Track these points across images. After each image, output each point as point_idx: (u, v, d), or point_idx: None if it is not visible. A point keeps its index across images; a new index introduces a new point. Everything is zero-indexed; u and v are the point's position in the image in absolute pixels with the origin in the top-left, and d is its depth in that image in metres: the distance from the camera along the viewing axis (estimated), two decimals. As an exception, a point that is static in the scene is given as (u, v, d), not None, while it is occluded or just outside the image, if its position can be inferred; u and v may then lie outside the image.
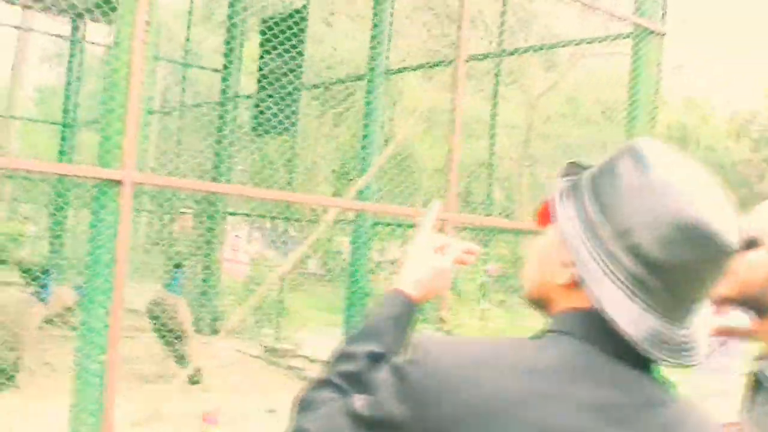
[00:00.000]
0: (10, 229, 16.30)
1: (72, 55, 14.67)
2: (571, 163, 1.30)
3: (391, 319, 1.40)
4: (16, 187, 15.73)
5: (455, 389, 1.09)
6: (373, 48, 9.66)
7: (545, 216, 1.29)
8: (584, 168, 1.27)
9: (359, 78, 11.25)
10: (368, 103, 9.58)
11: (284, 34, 10.60)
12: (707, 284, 1.17)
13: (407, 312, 1.43)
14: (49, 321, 8.57)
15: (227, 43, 12.25)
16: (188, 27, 14.16)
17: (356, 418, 1.16)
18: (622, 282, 1.13)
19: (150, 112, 14.32)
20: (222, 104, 12.01)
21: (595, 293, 1.14)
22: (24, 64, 19.39)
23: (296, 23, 10.78)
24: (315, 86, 12.41)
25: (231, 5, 12.16)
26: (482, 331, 13.67)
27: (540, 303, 1.29)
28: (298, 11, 11.05)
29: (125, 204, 4.65)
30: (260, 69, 11.37)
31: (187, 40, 14.29)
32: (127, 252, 4.65)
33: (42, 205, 16.28)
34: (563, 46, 10.87)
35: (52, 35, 16.67)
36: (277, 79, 10.96)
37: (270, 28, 10.98)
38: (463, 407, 1.08)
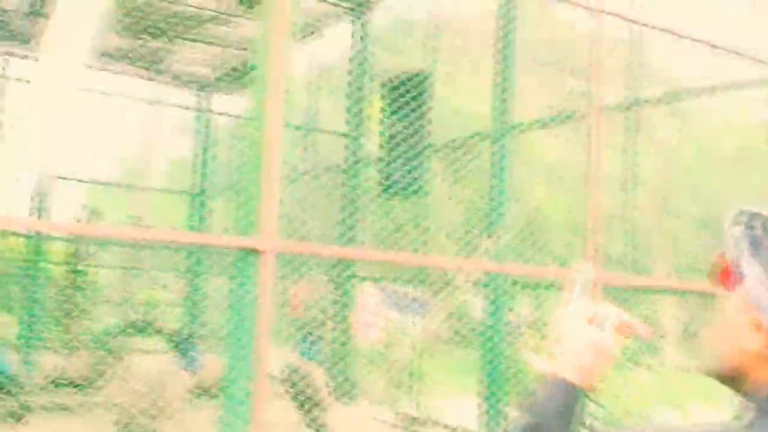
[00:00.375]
0: (149, 297, 16.77)
1: (201, 126, 15.16)
2: (743, 212, 1.13)
3: (557, 414, 1.25)
4: (153, 255, 16.19)
5: None
6: (497, 105, 9.56)
7: (726, 276, 1.12)
8: (759, 216, 1.09)
9: (484, 137, 11.15)
10: (495, 162, 9.45)
11: (408, 96, 10.64)
12: None
13: (572, 402, 1.27)
14: (200, 391, 8.65)
15: (351, 107, 12.38)
16: (312, 93, 14.41)
17: None
18: None
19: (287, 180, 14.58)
20: (348, 168, 12.10)
21: None
22: (156, 136, 20.17)
23: (419, 84, 10.81)
24: (442, 146, 12.36)
25: (352, 71, 12.32)
26: (637, 400, 13.12)
27: (729, 376, 1.11)
28: (421, 72, 11.08)
29: (266, 272, 4.62)
30: (385, 131, 11.42)
31: (312, 106, 14.52)
32: (270, 321, 4.60)
33: (180, 273, 16.74)
34: (702, 93, 10.47)
35: (182, 107, 17.27)
36: (403, 141, 10.98)
37: (393, 90, 11.04)
38: None
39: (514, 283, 9.69)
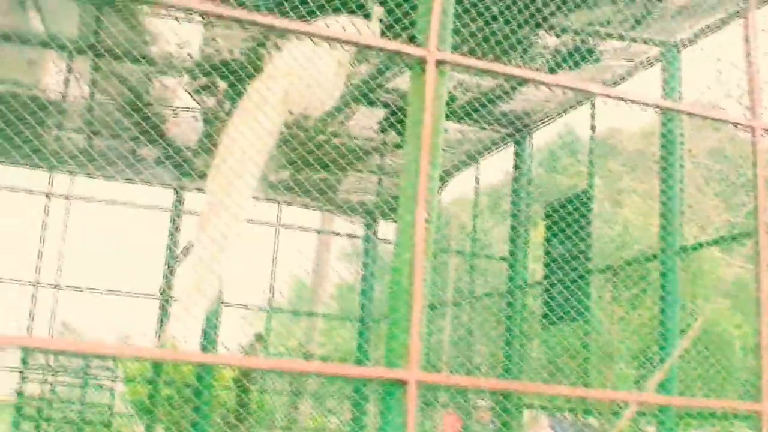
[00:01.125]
0: (316, 423, 16.83)
1: (366, 253, 15.41)
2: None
3: None
4: (318, 382, 16.31)
5: None
6: (664, 225, 9.19)
7: None
8: None
9: (649, 258, 10.72)
10: (664, 284, 9.01)
11: (570, 218, 10.43)
12: None
13: None
14: None
15: (513, 230, 12.25)
16: (474, 217, 14.43)
17: None
18: None
19: (433, 308, 14.52)
20: (511, 293, 11.88)
21: None
22: (324, 264, 20.65)
23: (582, 206, 10.60)
24: (606, 269, 11.97)
25: (515, 193, 12.25)
26: None
27: None
28: (583, 193, 10.86)
29: (410, 404, 4.49)
30: (547, 255, 11.19)
31: (474, 230, 14.52)
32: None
33: (344, 399, 16.78)
34: None
35: (348, 236, 17.68)
36: (566, 264, 10.70)
37: (555, 213, 10.86)
38: None
39: (685, 415, 9.07)
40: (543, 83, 5.06)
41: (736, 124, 5.42)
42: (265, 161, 6.68)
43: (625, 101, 4.91)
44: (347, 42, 4.50)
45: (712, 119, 5.57)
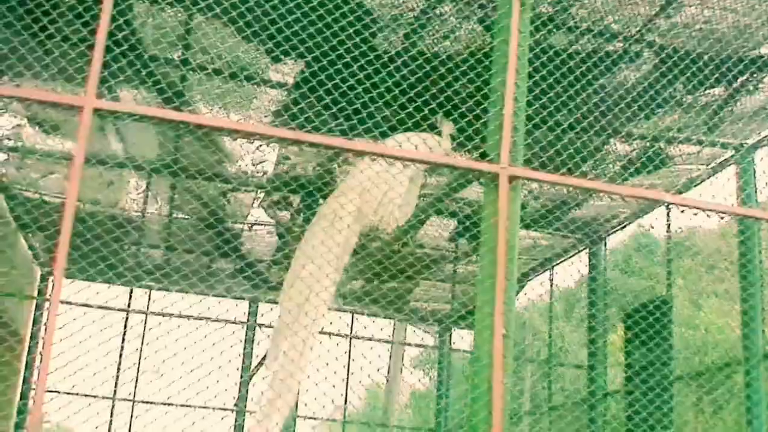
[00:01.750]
0: None
1: (439, 362, 15.26)
2: None
3: None
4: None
5: None
6: (746, 332, 8.93)
7: None
8: None
9: (729, 364, 10.40)
10: (749, 393, 8.69)
11: (649, 323, 10.21)
12: None
13: None
14: None
15: (590, 336, 12.03)
16: (549, 324, 14.22)
17: None
18: None
19: (518, 417, 14.24)
20: (591, 402, 11.58)
21: None
22: (397, 373, 20.46)
23: (661, 310, 10.37)
24: (692, 375, 11.62)
25: (590, 299, 12.08)
26: None
27: None
28: (662, 297, 10.65)
29: None
30: (627, 362, 10.91)
31: (549, 337, 14.29)
32: None
33: None
34: None
35: (422, 345, 17.59)
36: (647, 371, 10.42)
37: (633, 318, 10.66)
38: None
39: None
40: (617, 194, 5.05)
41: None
42: (339, 278, 6.74)
43: (699, 209, 4.87)
44: (420, 162, 4.59)
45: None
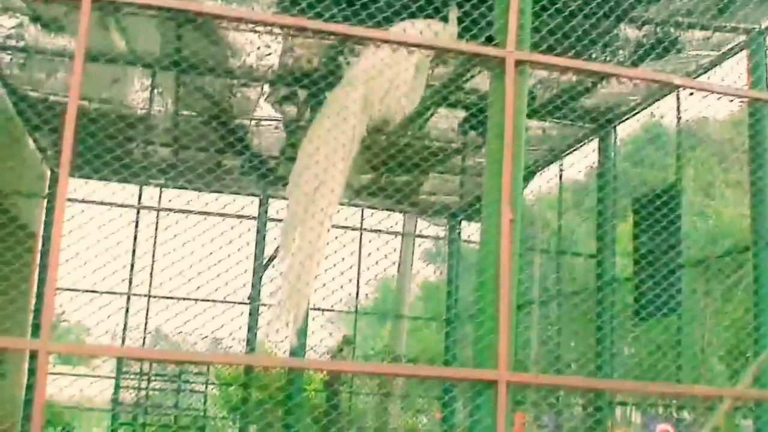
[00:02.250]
0: (406, 424, 16.91)
1: (450, 254, 15.40)
2: None
3: None
4: (406, 382, 16.32)
5: None
6: (755, 217, 8.94)
7: None
8: None
9: (741, 251, 10.45)
10: (757, 276, 8.76)
11: (659, 212, 10.23)
12: None
13: None
14: None
15: (599, 227, 12.08)
16: (559, 214, 14.28)
17: None
18: None
19: (527, 304, 14.42)
20: (600, 290, 11.71)
21: None
22: (409, 266, 20.65)
23: (671, 199, 10.38)
24: (698, 262, 11.71)
25: (600, 188, 12.08)
26: None
27: None
28: (672, 186, 10.65)
29: (501, 404, 4.49)
30: (636, 250, 10.98)
31: (559, 227, 14.36)
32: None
33: (434, 399, 16.81)
34: None
35: (432, 237, 17.74)
36: (656, 259, 10.49)
37: (643, 207, 10.67)
38: None
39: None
40: (626, 77, 4.99)
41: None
42: (347, 168, 6.73)
43: (710, 92, 4.81)
44: (425, 47, 4.52)
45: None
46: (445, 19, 6.44)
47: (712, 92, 4.85)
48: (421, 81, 6.83)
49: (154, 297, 13.84)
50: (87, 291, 12.88)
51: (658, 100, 11.12)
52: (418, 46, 4.63)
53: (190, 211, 13.41)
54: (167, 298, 13.79)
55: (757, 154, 8.88)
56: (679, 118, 10.80)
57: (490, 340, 4.67)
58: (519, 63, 4.74)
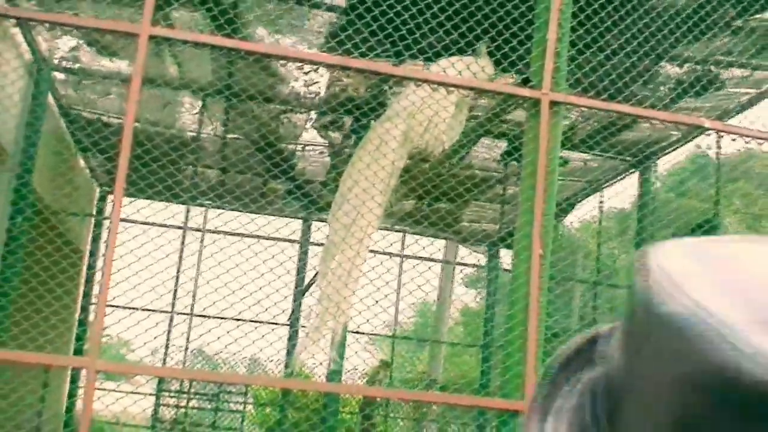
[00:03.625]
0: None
1: (489, 281, 15.52)
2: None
3: None
4: (441, 406, 16.41)
5: None
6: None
7: None
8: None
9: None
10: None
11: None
12: None
13: None
14: None
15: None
16: (598, 246, 14.34)
17: None
18: None
19: (557, 335, 14.46)
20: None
21: None
22: (448, 291, 20.81)
23: (709, 232, 10.46)
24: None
25: (639, 222, 12.15)
26: None
27: None
28: (708, 221, 10.72)
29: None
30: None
31: (598, 258, 14.43)
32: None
33: (467, 424, 16.87)
34: None
35: (471, 266, 17.87)
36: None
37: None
38: None
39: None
40: (657, 119, 5.14)
41: None
42: (386, 200, 6.94)
43: (738, 135, 4.95)
44: (463, 87, 4.72)
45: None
46: (477, 53, 6.62)
47: (741, 135, 4.98)
48: (461, 119, 7.03)
49: (197, 316, 14.14)
50: (130, 308, 13.23)
51: (699, 135, 11.21)
52: (457, 86, 4.83)
53: (236, 234, 13.73)
54: (209, 317, 14.10)
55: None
56: (718, 154, 10.85)
57: (518, 370, 4.83)
58: (554, 104, 4.92)
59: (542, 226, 4.87)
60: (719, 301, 0.56)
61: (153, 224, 13.02)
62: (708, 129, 5.93)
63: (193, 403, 15.08)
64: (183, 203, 13.84)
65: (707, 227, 10.63)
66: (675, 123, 5.20)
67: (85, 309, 13.84)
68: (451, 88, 5.39)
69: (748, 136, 5.01)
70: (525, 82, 5.10)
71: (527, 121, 5.08)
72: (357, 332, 14.88)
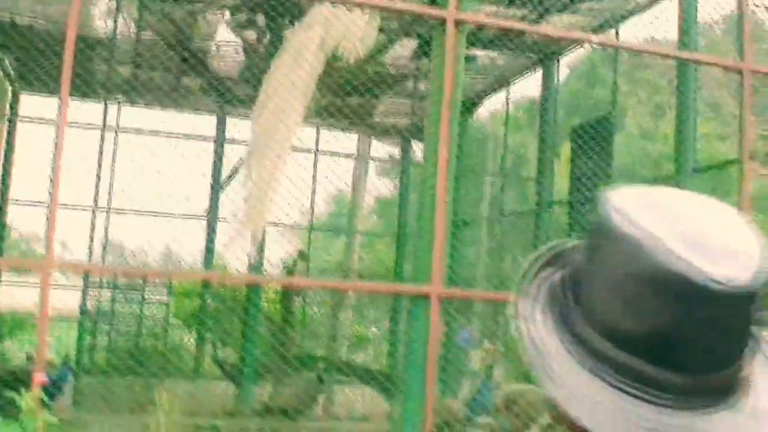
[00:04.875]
0: (357, 333, 17.71)
1: (402, 172, 16.13)
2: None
3: None
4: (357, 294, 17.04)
5: None
6: (678, 144, 9.74)
7: None
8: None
9: (666, 179, 11.29)
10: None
11: (594, 139, 11.00)
12: (713, 344, 0.91)
13: None
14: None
15: (540, 152, 12.87)
16: (505, 138, 15.01)
17: None
18: (601, 375, 0.93)
19: (466, 224, 15.20)
20: (538, 211, 12.57)
21: (565, 402, 0.93)
22: (362, 181, 21.17)
23: (605, 128, 11.15)
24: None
25: (542, 115, 12.80)
26: None
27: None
28: (605, 117, 11.43)
29: (434, 315, 5.28)
30: (572, 174, 11.80)
31: (504, 150, 15.10)
32: (436, 358, 5.24)
33: (382, 310, 17.65)
34: None
35: (384, 159, 18.45)
36: (590, 182, 11.30)
37: (580, 136, 11.44)
38: None
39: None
40: (544, 35, 5.65)
41: (726, 67, 6.00)
42: (306, 101, 7.35)
43: (621, 48, 5.49)
44: (373, 6, 5.12)
45: (706, 63, 6.13)
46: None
47: (623, 48, 5.54)
48: (374, 26, 7.41)
49: (116, 211, 14.36)
50: (39, 203, 13.44)
51: (601, 31, 11.74)
52: (363, 5, 5.23)
53: (162, 132, 13.91)
54: (128, 212, 14.38)
55: (682, 90, 9.58)
56: (616, 50, 11.41)
57: (426, 257, 5.43)
58: (458, 23, 5.38)
59: (448, 128, 5.39)
60: (657, 226, 0.89)
61: (73, 124, 13.09)
62: (594, 44, 6.47)
63: (119, 295, 15.44)
64: (100, 100, 13.90)
65: (604, 123, 11.30)
66: (561, 37, 5.71)
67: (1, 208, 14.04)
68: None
69: (631, 50, 5.57)
70: (432, 1, 5.54)
71: (434, 39, 5.53)
72: (275, 224, 15.37)
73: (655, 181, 12.62)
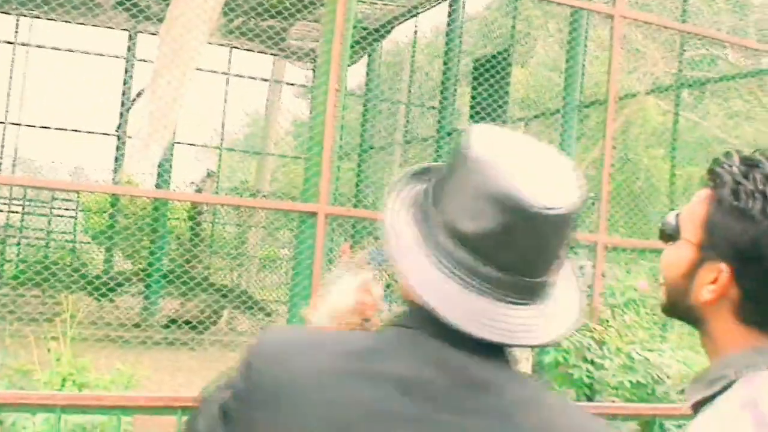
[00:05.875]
0: (269, 253, 18.08)
1: (314, 97, 16.44)
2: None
3: None
4: (265, 214, 17.37)
5: (270, 366, 1.17)
6: (567, 83, 10.37)
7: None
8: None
9: (554, 112, 11.95)
10: (562, 136, 10.26)
11: (490, 73, 11.52)
12: (530, 254, 1.15)
13: None
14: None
15: (443, 83, 13.34)
16: (411, 73, 15.44)
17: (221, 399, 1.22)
18: (441, 264, 1.15)
19: (367, 149, 15.65)
20: (439, 139, 13.12)
21: (409, 279, 1.16)
22: (276, 104, 21.34)
23: (502, 63, 11.67)
24: (518, 120, 13.23)
25: (447, 44, 13.20)
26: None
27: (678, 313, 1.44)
28: (503, 52, 11.95)
29: (320, 231, 5.75)
30: (472, 106, 12.33)
31: (411, 79, 15.53)
32: (321, 268, 5.74)
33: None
34: None
35: (294, 84, 18.71)
36: (487, 114, 11.84)
37: (478, 69, 11.93)
38: (273, 383, 1.15)
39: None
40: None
41: (597, 12, 6.52)
42: (213, 22, 7.59)
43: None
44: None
45: (579, 7, 6.64)
46: None
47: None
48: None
49: (25, 126, 14.36)
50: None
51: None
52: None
53: (71, 49, 13.84)
54: (38, 128, 14.41)
55: (573, 26, 10.16)
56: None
57: (315, 178, 5.89)
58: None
59: (340, 46, 5.77)
60: (502, 157, 1.15)
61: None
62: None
63: (27, 209, 15.52)
64: (11, 14, 13.75)
65: (504, 55, 11.81)
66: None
67: None
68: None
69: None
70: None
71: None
72: (186, 144, 15.61)
73: (542, 116, 13.26)
